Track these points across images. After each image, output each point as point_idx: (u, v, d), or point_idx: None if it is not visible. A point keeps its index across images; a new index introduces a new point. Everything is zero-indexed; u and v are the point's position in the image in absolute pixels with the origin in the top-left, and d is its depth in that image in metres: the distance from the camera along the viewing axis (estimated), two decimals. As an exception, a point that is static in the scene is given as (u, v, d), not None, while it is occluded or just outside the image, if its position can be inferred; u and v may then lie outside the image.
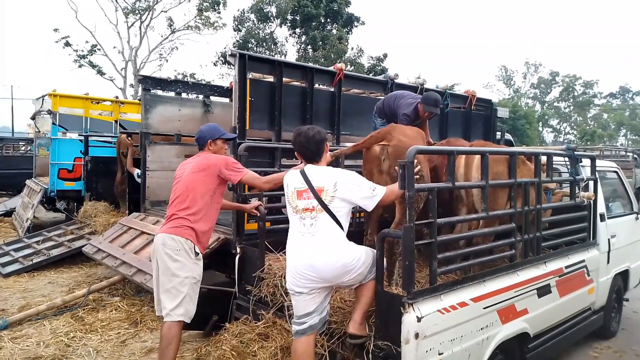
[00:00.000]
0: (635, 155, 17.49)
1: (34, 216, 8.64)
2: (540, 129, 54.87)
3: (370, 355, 2.72)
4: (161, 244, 3.28)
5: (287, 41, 27.21)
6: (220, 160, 3.40)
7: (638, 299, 5.96)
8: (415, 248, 2.60)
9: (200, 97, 7.17)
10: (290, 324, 3.14)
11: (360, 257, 2.75)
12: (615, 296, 4.89)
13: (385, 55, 26.03)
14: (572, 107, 60.15)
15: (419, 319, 2.53)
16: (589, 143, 42.01)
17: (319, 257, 2.69)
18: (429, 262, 2.76)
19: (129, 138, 7.37)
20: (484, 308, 2.98)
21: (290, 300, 3.36)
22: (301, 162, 2.98)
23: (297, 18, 25.70)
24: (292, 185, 2.85)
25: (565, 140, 56.96)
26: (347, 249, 2.75)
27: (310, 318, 2.79)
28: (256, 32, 26.36)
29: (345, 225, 2.79)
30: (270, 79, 4.80)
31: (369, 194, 2.73)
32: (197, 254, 3.34)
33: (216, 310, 3.99)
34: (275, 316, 3.42)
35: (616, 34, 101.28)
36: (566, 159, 4.21)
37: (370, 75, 24.00)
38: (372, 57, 26.38)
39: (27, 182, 10.05)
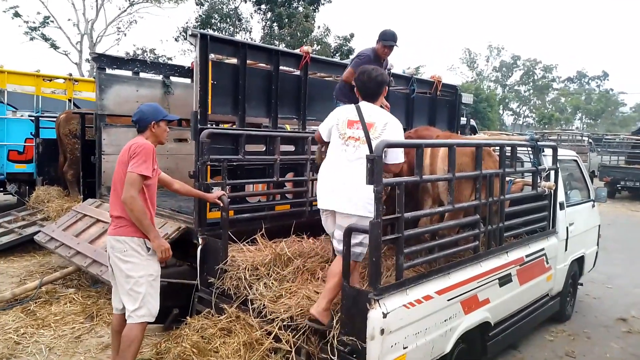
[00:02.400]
0: (590, 140, 18.22)
1: (-19, 200, 8.18)
2: (501, 111, 56.28)
3: (335, 350, 2.70)
4: (110, 247, 3.15)
5: (252, 17, 26.53)
6: (135, 149, 3.07)
7: (590, 281, 6.23)
8: (381, 243, 2.56)
9: (160, 77, 6.85)
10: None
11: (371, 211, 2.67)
12: (571, 281, 5.07)
13: (352, 35, 25.78)
14: (531, 91, 61.91)
15: (384, 315, 2.52)
16: (547, 126, 43.45)
17: (347, 180, 2.89)
18: (395, 257, 2.73)
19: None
20: (448, 300, 3.00)
21: (253, 294, 3.30)
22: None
23: (263, -6, 25.03)
24: (344, 115, 3.07)
25: (524, 124, 58.74)
26: (370, 190, 2.75)
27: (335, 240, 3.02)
28: (220, 7, 25.55)
29: None
30: (234, 61, 4.60)
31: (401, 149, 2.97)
32: (149, 248, 3.13)
33: (177, 303, 3.87)
34: (238, 310, 3.34)
35: (575, 20, 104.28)
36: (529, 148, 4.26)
37: (337, 55, 23.85)
38: (338, 37, 26.10)
39: (-26, 163, 9.45)
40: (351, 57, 6.32)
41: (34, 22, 22.32)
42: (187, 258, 4.57)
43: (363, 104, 3.07)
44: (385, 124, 2.94)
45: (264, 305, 3.18)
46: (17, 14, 21.81)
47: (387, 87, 3.21)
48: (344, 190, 2.89)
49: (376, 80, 3.07)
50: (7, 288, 4.91)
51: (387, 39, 4.51)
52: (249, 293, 3.33)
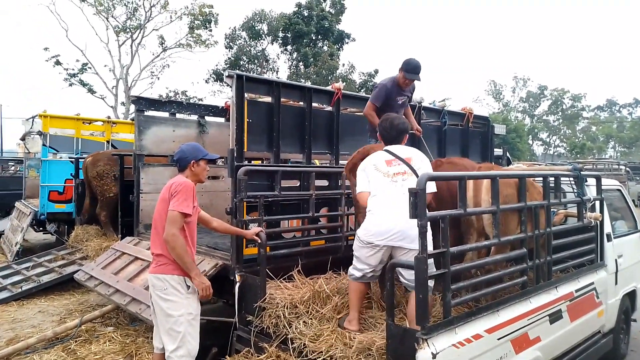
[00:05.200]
0: (627, 169, 17.64)
1: (23, 239, 8.41)
2: (530, 142, 55.36)
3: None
4: (151, 286, 3.17)
5: (278, 58, 27.42)
6: (176, 187, 3.13)
7: (644, 318, 5.86)
8: (428, 279, 2.48)
9: (195, 117, 7.05)
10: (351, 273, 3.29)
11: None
12: (624, 317, 4.79)
13: (376, 71, 26.24)
14: (561, 120, 60.86)
15: (434, 356, 2.41)
16: (578, 156, 42.39)
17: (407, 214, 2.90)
18: (443, 293, 2.64)
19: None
20: (498, 339, 2.86)
21: (293, 332, 3.23)
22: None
23: (289, 35, 25.90)
24: (379, 158, 3.17)
25: (555, 153, 57.54)
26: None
27: (369, 271, 3.14)
28: (248, 49, 26.50)
29: None
30: (268, 99, 4.70)
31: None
32: (189, 286, 3.15)
33: (216, 342, 3.82)
34: (278, 349, 3.27)
35: (602, 48, 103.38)
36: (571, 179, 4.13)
37: (362, 90, 24.17)
38: (363, 73, 26.58)
39: (17, 204, 9.80)
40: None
41: (73, 69, 23.57)
42: (223, 295, 4.56)
43: (389, 147, 3.24)
44: (420, 155, 3.19)
45: (304, 344, 3.11)
46: (58, 62, 23.09)
47: (407, 135, 3.38)
48: (408, 226, 2.84)
49: (398, 128, 3.27)
50: (48, 327, 4.98)
51: (410, 72, 4.51)
52: (288, 332, 3.26)
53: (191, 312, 3.12)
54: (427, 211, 2.44)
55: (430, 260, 2.73)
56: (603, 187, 4.41)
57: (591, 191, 4.23)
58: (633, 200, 15.59)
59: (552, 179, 3.66)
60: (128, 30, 24.05)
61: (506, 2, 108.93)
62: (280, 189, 4.13)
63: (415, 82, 4.80)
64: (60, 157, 9.27)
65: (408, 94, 4.91)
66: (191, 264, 3.10)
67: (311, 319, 3.31)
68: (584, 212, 3.97)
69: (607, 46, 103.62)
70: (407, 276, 2.96)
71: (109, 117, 10.44)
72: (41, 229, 9.38)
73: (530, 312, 3.17)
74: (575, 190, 4.05)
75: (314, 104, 4.99)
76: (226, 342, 3.77)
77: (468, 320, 2.70)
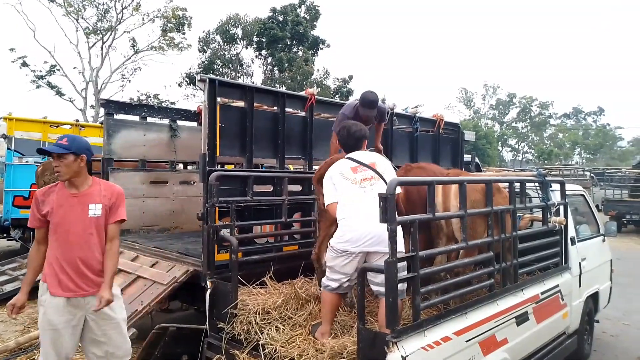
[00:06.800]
0: (592, 175, 18.28)
1: (-15, 247, 8.12)
2: (500, 148, 56.73)
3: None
4: None
5: (253, 62, 27.31)
6: None
7: (606, 318, 6.08)
8: (397, 282, 2.51)
9: (166, 121, 6.95)
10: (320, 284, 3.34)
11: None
12: (587, 318, 4.95)
13: (350, 77, 26.46)
14: (529, 127, 62.65)
15: (403, 358, 2.43)
16: (546, 162, 43.67)
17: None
18: (412, 297, 2.67)
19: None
20: (467, 341, 2.92)
21: (264, 339, 3.21)
22: None
23: (263, 40, 25.85)
24: (344, 165, 3.17)
25: (524, 159, 59.09)
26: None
27: (345, 280, 3.09)
28: (222, 53, 26.32)
29: None
30: (241, 104, 4.68)
31: None
32: (42, 295, 2.91)
33: (186, 350, 3.76)
34: (250, 356, 3.24)
35: (569, 57, 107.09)
36: (536, 184, 4.26)
37: (337, 96, 24.32)
38: (337, 79, 26.76)
39: (-21, 210, 9.44)
40: (350, 98, 6.41)
41: (40, 71, 22.86)
42: (194, 302, 4.50)
43: (351, 155, 3.25)
44: (382, 159, 3.24)
45: (275, 349, 3.10)
46: (24, 64, 22.38)
47: (366, 140, 3.38)
48: (382, 230, 2.79)
49: (355, 136, 3.30)
50: (10, 337, 4.81)
51: (365, 106, 4.45)
52: (260, 338, 3.24)
53: (41, 321, 2.93)
54: (396, 215, 2.47)
55: (403, 264, 2.75)
56: (567, 193, 4.55)
57: (556, 196, 4.36)
58: (597, 205, 16.16)
59: (518, 184, 3.75)
60: (99, 32, 23.53)
61: (478, 11, 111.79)
62: (253, 194, 4.11)
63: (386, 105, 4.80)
64: (26, 162, 8.97)
65: (372, 119, 4.87)
66: (25, 278, 2.99)
67: (283, 325, 3.31)
68: (549, 216, 4.10)
69: (573, 55, 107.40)
70: (378, 281, 2.94)
71: (77, 120, 10.20)
72: (5, 235, 9.05)
73: (498, 314, 3.24)
74: (540, 195, 4.18)
75: (287, 109, 5.00)
76: (197, 350, 3.70)
77: (437, 322, 2.75)
